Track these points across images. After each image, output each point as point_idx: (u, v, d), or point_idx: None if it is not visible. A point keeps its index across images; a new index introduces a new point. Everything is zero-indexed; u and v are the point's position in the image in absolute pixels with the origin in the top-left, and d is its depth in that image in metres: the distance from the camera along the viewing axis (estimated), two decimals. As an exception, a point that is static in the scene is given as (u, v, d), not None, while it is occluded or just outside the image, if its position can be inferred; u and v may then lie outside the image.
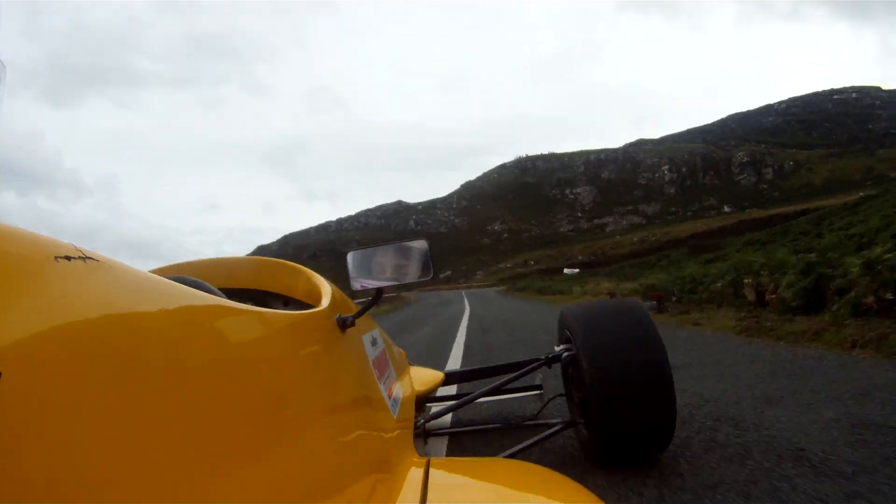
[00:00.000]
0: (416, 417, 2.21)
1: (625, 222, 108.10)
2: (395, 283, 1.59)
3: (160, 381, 0.55)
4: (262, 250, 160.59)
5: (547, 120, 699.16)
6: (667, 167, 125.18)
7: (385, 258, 1.64)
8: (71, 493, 0.42)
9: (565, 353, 2.54)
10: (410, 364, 3.02)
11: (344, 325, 1.42)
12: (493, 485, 1.07)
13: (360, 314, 1.52)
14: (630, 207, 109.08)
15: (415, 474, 1.11)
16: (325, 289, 1.62)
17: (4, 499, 0.37)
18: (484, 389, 2.70)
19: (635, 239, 69.97)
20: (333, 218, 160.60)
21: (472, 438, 3.04)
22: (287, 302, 1.91)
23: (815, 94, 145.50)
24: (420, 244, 1.59)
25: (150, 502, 0.46)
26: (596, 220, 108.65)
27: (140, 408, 0.50)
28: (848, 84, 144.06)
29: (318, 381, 1.09)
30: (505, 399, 3.43)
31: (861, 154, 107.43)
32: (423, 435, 2.56)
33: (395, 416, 1.65)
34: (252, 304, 1.10)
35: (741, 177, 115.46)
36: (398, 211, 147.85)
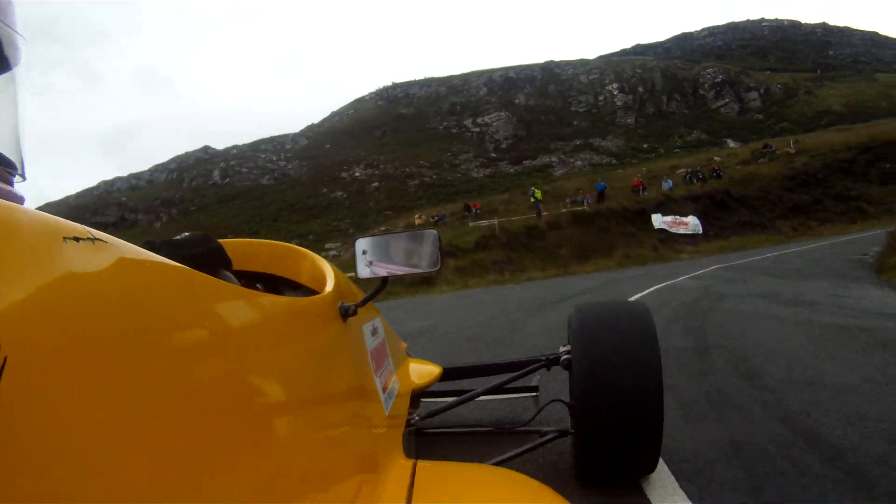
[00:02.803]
0: (409, 413, 2.57)
1: (579, 162, 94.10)
2: (402, 272, 1.84)
3: (164, 362, 0.65)
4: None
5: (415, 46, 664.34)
6: (615, 86, 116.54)
7: (393, 247, 1.88)
8: (76, 469, 0.49)
9: (564, 357, 2.88)
10: (410, 356, 3.47)
11: (346, 313, 1.62)
12: (479, 494, 1.20)
13: (363, 303, 1.74)
14: (578, 142, 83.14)
15: (401, 477, 1.25)
16: (330, 275, 1.83)
17: (11, 475, 0.43)
18: (481, 389, 3.10)
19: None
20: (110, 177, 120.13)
21: (462, 439, 3.57)
22: (297, 287, 2.18)
23: (731, 24, 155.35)
24: (430, 233, 1.86)
25: (137, 481, 0.55)
26: (528, 162, 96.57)
27: (143, 388, 0.59)
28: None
29: (314, 371, 1.24)
30: (501, 399, 4.03)
31: (857, 80, 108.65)
32: (414, 433, 2.89)
33: (387, 412, 1.86)
34: (263, 288, 1.44)
35: (719, 103, 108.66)
36: (202, 160, 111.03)
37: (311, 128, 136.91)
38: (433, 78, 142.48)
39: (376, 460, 1.39)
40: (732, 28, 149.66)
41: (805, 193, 40.25)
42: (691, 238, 30.79)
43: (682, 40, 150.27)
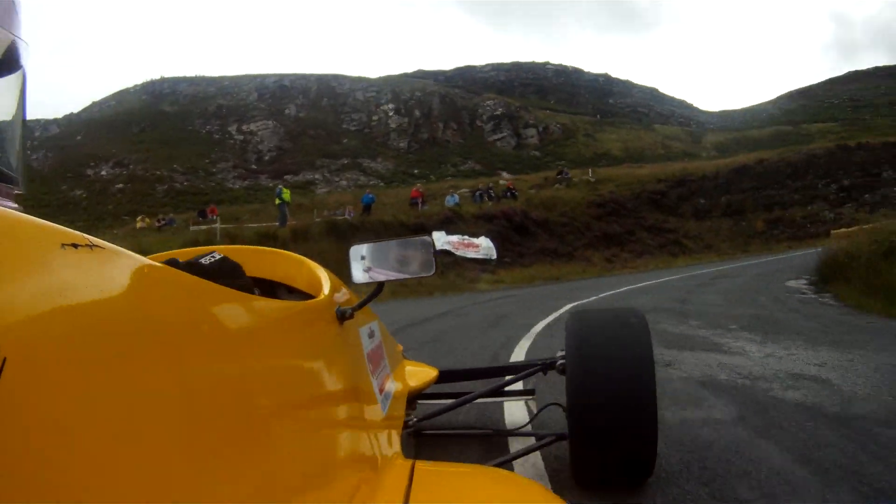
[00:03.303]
0: (407, 415, 2.71)
1: (344, 181, 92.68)
2: (397, 277, 1.97)
3: (161, 366, 0.67)
4: None
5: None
6: (391, 107, 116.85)
7: (387, 252, 1.99)
8: (74, 473, 0.50)
9: (560, 361, 3.00)
10: (406, 359, 3.60)
11: (343, 316, 1.68)
12: (477, 495, 1.26)
13: (359, 307, 1.84)
14: (345, 161, 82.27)
15: (399, 477, 1.30)
16: (326, 279, 1.91)
17: (11, 481, 0.45)
18: (478, 392, 3.26)
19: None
20: None
21: (460, 441, 3.68)
22: (292, 292, 2.26)
23: (516, 63, 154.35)
24: (422, 240, 1.95)
25: (135, 482, 0.56)
26: (290, 177, 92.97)
27: (140, 392, 0.62)
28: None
29: (311, 374, 1.30)
30: (498, 402, 4.18)
31: (637, 128, 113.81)
32: (412, 434, 3.05)
33: (384, 413, 1.93)
34: (259, 293, 1.44)
35: (496, 136, 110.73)
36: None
37: (68, 117, 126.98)
38: (203, 77, 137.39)
39: (374, 460, 1.44)
40: (517, 67, 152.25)
41: (616, 223, 38.42)
42: (484, 263, 26.84)
43: (466, 72, 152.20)
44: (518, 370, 3.46)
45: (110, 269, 0.67)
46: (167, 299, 0.77)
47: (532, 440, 3.09)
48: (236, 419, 0.82)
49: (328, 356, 1.48)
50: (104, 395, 0.56)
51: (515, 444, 3.25)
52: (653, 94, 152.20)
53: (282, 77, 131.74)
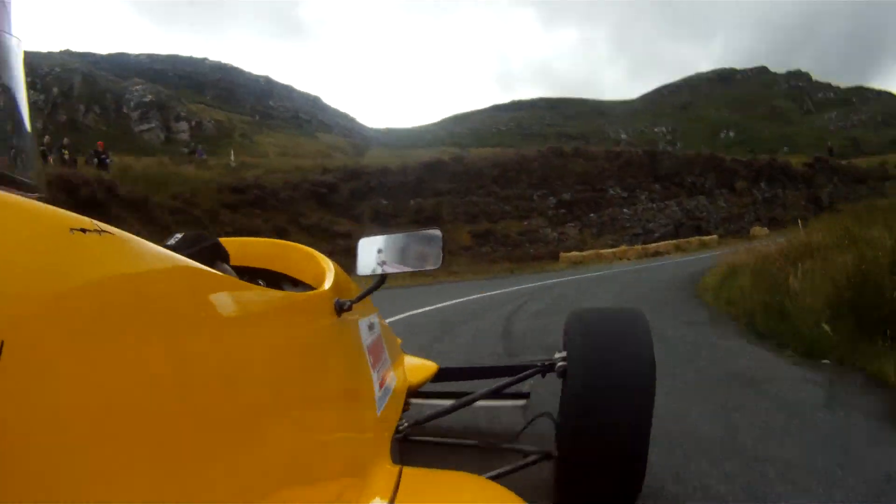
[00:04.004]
0: (400, 417, 2.63)
1: None
2: (402, 270, 1.97)
3: (160, 353, 0.68)
4: None
5: None
6: (28, 80, 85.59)
7: (395, 245, 1.99)
8: (73, 458, 0.51)
9: (559, 363, 2.81)
10: (404, 353, 3.58)
11: (341, 309, 1.67)
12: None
13: (358, 299, 1.81)
14: None
15: (386, 481, 1.31)
16: (329, 271, 1.95)
17: (8, 466, 0.45)
18: (473, 395, 3.14)
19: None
20: None
21: (448, 448, 3.58)
22: (296, 284, 2.29)
23: (173, 56, 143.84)
24: (433, 232, 1.94)
25: (117, 472, 0.57)
26: None
27: (138, 378, 0.63)
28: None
29: (305, 366, 1.31)
30: (491, 405, 4.17)
31: (298, 134, 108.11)
32: (404, 437, 2.97)
33: (379, 412, 1.91)
34: (265, 284, 1.53)
35: (144, 126, 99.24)
36: None
37: None
38: None
39: (363, 463, 1.43)
40: (173, 59, 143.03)
41: (260, 217, 29.72)
42: None
43: (118, 58, 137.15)
44: (516, 371, 3.23)
45: (119, 254, 0.67)
46: (170, 285, 0.78)
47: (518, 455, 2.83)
48: (225, 411, 0.82)
49: (324, 349, 1.48)
50: (105, 381, 0.57)
51: (505, 455, 2.99)
52: (315, 102, 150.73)
53: None
